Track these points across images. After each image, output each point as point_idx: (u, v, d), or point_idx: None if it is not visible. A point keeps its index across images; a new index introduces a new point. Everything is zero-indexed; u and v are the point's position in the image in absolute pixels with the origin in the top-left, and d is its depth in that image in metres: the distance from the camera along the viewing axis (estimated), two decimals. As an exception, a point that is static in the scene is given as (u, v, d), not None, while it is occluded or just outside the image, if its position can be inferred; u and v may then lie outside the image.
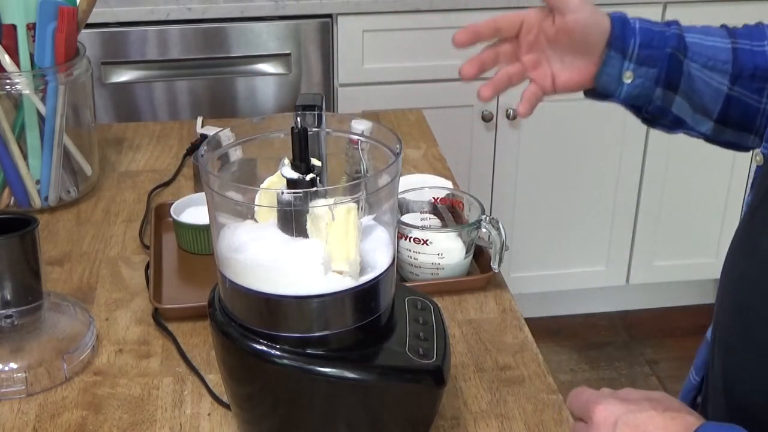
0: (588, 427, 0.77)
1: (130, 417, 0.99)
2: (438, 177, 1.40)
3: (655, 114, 1.05)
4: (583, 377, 2.46)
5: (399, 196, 1.00)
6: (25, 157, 1.37)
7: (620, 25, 1.02)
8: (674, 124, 1.07)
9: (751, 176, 0.95)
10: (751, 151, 1.00)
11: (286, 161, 0.85)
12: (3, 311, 1.03)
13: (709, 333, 0.97)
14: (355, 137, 1.00)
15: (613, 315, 2.72)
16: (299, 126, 0.86)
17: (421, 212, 1.26)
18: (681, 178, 2.47)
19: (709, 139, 1.08)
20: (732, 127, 1.05)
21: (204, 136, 1.49)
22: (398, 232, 1.17)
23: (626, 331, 2.67)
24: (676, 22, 1.05)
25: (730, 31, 1.05)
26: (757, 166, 0.93)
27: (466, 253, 1.20)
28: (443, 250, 1.18)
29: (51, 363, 1.03)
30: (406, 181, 1.32)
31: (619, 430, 0.74)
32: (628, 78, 1.02)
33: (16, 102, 1.35)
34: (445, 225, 1.25)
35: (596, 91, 1.06)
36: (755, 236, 0.83)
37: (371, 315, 0.86)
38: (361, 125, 0.96)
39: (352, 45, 2.21)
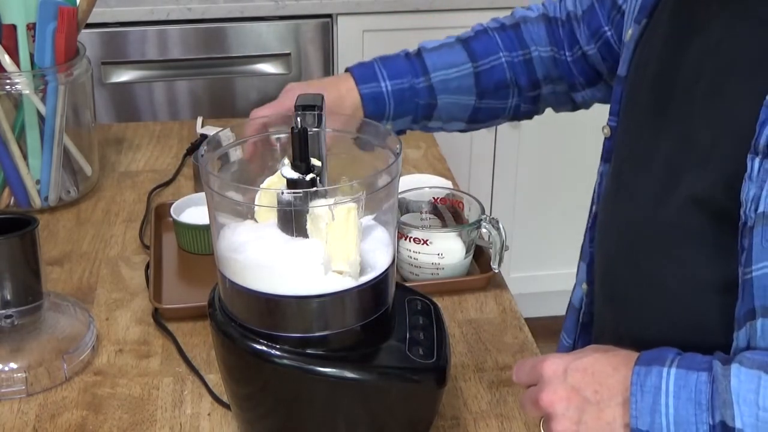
0: (539, 386, 0.80)
1: (130, 417, 0.99)
2: (438, 177, 1.40)
3: (416, 130, 1.25)
4: None
5: (399, 196, 1.00)
6: (25, 157, 1.37)
7: (373, 105, 1.17)
8: (432, 130, 1.26)
9: (598, 149, 1.09)
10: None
11: (286, 161, 0.85)
12: (3, 311, 1.03)
13: (574, 298, 1.08)
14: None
15: (613, 315, 2.71)
16: (299, 126, 0.86)
17: (421, 212, 1.26)
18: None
19: (463, 131, 1.26)
20: (482, 122, 1.24)
21: (204, 136, 1.49)
22: (398, 232, 1.17)
23: (626, 331, 2.67)
24: (423, 67, 1.18)
25: (470, 52, 1.18)
26: (606, 138, 1.04)
27: (466, 253, 1.20)
28: (443, 250, 1.18)
29: (51, 363, 1.03)
30: (406, 181, 1.32)
31: (569, 377, 0.78)
32: (387, 127, 1.15)
33: (16, 102, 1.35)
34: (445, 225, 1.25)
35: None
36: (627, 185, 0.93)
37: (371, 315, 0.86)
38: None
39: (352, 45, 2.21)
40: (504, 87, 1.19)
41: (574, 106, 1.25)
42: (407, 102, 1.18)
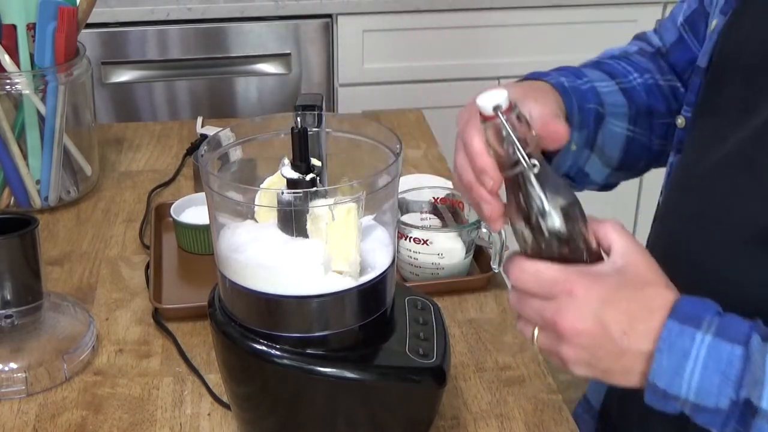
0: (563, 303, 0.74)
1: (130, 417, 0.99)
2: (438, 177, 1.40)
3: (570, 176, 1.01)
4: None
5: (399, 196, 1.00)
6: (25, 157, 1.37)
7: (567, 97, 0.95)
8: (584, 183, 1.04)
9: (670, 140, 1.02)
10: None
11: (286, 161, 0.85)
12: (3, 311, 1.03)
13: None
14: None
15: (613, 315, 2.71)
16: (299, 126, 0.86)
17: (421, 212, 1.26)
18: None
19: (598, 187, 1.07)
20: (624, 171, 1.06)
21: (204, 136, 1.49)
22: (398, 232, 1.17)
23: (626, 331, 2.66)
24: (578, 71, 1.00)
25: (605, 71, 1.03)
26: (679, 128, 0.98)
27: (466, 253, 1.20)
28: (443, 250, 1.18)
29: (51, 363, 1.03)
30: (406, 181, 1.32)
31: (603, 309, 0.73)
32: (573, 147, 0.98)
33: (16, 102, 1.35)
34: (445, 225, 1.25)
35: None
36: (700, 178, 0.89)
37: (371, 315, 0.86)
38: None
39: (352, 45, 2.21)
40: (648, 112, 1.04)
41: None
42: (582, 106, 0.97)
